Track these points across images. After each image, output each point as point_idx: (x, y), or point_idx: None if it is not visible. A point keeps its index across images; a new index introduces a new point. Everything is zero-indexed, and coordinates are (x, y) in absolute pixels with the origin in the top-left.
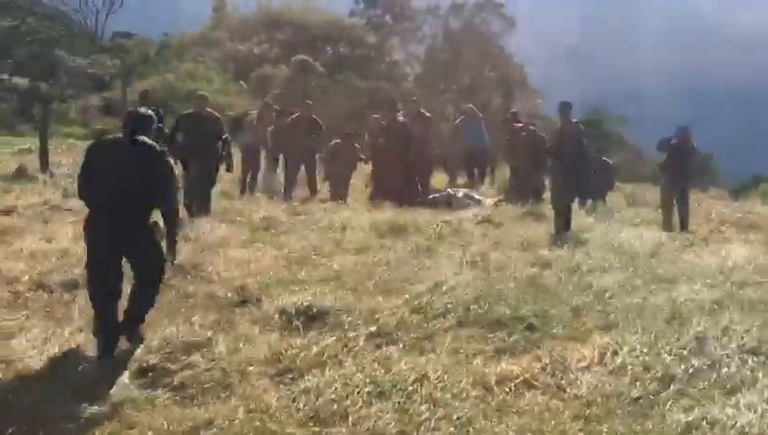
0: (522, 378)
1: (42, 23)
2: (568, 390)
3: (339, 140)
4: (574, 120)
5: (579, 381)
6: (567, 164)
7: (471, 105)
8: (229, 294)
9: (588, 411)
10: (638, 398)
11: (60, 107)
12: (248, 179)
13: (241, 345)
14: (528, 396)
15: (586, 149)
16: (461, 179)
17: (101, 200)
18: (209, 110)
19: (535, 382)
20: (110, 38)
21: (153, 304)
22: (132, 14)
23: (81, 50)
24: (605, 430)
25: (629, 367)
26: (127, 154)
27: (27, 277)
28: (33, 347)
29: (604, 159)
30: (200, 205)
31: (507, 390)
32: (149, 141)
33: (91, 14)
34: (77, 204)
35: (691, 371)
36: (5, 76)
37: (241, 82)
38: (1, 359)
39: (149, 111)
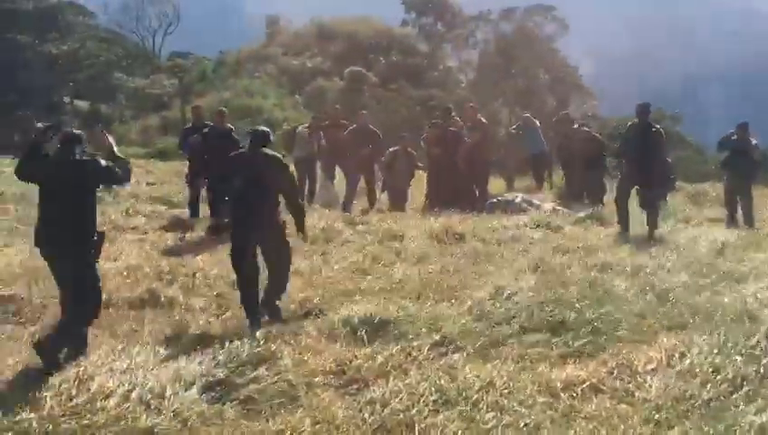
0: (588, 383)
1: (100, 46)
2: (636, 393)
3: (396, 148)
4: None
5: (647, 385)
6: (633, 163)
7: (528, 114)
8: (293, 307)
9: (657, 415)
10: (709, 400)
11: (120, 128)
12: (305, 192)
13: (306, 357)
14: (595, 401)
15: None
16: (518, 184)
17: None
18: (229, 125)
19: (602, 387)
20: (167, 58)
21: None
22: (188, 33)
23: (139, 71)
24: (676, 433)
25: (698, 369)
26: None
27: None
28: (103, 364)
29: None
30: None
31: (574, 395)
32: None
33: (148, 34)
34: (140, 223)
35: (762, 371)
36: (67, 100)
37: (296, 95)
38: (73, 377)
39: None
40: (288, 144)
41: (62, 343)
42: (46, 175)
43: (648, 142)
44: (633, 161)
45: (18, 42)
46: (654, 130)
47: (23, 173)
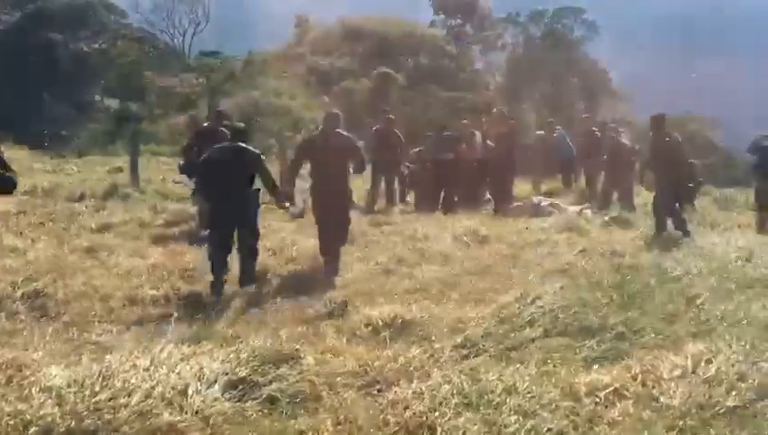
0: (612, 388)
1: (131, 45)
2: (661, 400)
3: (420, 149)
4: (666, 133)
5: (672, 391)
6: (664, 174)
7: (551, 120)
8: (316, 307)
9: (682, 422)
10: (734, 408)
11: (149, 126)
12: None
13: (329, 357)
14: (619, 407)
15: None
16: (545, 187)
17: None
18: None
19: (626, 392)
20: (196, 57)
21: None
22: (217, 32)
23: (168, 70)
24: None
25: (724, 376)
26: None
27: (120, 293)
28: (126, 361)
29: (690, 161)
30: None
31: (597, 400)
32: None
33: (178, 34)
34: (166, 220)
35: None
36: (97, 98)
37: (324, 96)
38: (96, 373)
39: None
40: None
41: None
42: None
43: (667, 153)
44: (658, 171)
45: (50, 40)
46: (668, 140)
47: None
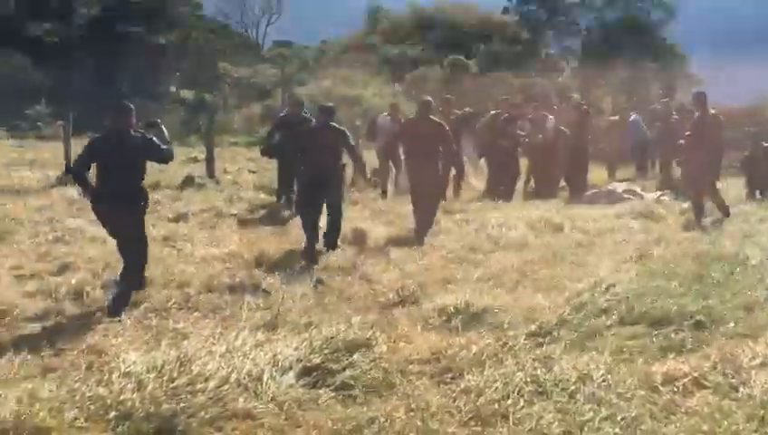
0: (690, 377)
1: (206, 36)
2: (740, 389)
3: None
4: (712, 111)
5: (752, 381)
6: (702, 154)
7: (625, 107)
8: (389, 295)
9: (763, 412)
10: None
11: (224, 117)
12: (392, 180)
13: (401, 345)
14: (697, 396)
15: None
16: (620, 174)
17: None
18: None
19: (705, 382)
20: (269, 48)
21: None
22: (291, 21)
23: (243, 60)
24: None
25: None
26: None
27: (197, 281)
28: (203, 347)
29: (766, 145)
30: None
31: (675, 389)
32: None
33: (251, 25)
34: (242, 209)
35: None
36: (173, 89)
37: (396, 84)
38: (176, 359)
39: None
40: (370, 133)
41: None
42: None
43: (711, 130)
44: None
45: (127, 32)
46: (711, 117)
47: None
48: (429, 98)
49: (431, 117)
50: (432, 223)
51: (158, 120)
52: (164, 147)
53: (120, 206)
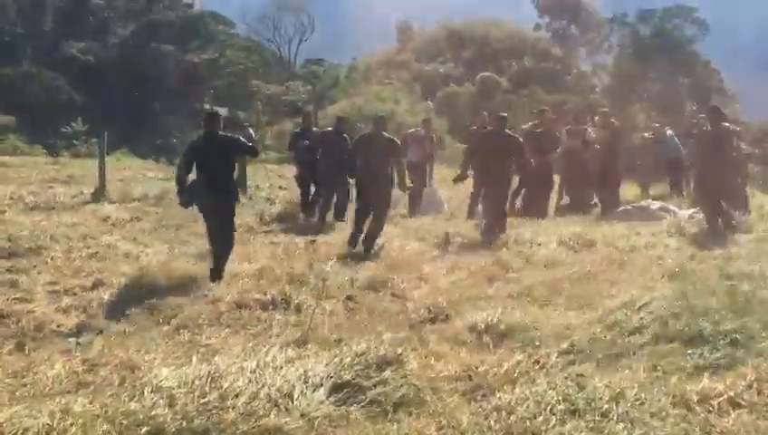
0: (726, 396)
1: (239, 54)
2: None
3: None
4: (726, 124)
5: None
6: (714, 168)
7: (657, 124)
8: (420, 311)
9: None
10: None
11: (257, 134)
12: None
13: (432, 362)
14: (733, 415)
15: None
16: (653, 191)
17: None
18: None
19: (741, 401)
20: (301, 65)
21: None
22: (322, 39)
23: (275, 78)
24: None
25: None
26: None
27: (228, 296)
28: (234, 363)
29: None
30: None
31: (710, 408)
32: None
33: (284, 42)
34: (273, 226)
35: None
36: (206, 106)
37: (428, 101)
38: (207, 375)
39: None
40: (402, 148)
41: None
42: None
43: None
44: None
45: (162, 51)
46: (723, 129)
47: None
48: (504, 114)
49: (507, 131)
50: (504, 227)
51: (247, 124)
52: (249, 144)
53: (215, 196)
